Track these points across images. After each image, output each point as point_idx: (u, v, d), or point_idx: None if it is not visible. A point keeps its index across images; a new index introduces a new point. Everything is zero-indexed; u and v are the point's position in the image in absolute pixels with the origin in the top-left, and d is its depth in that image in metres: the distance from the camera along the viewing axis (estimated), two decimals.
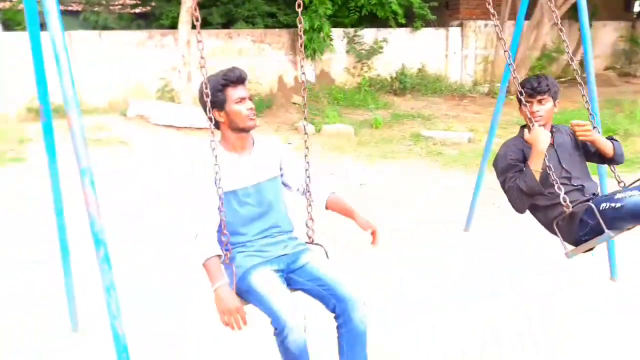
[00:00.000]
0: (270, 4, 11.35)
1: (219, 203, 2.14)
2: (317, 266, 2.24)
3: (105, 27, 10.19)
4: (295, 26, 10.41)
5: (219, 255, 2.12)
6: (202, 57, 2.14)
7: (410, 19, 11.75)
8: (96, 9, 10.30)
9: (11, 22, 10.33)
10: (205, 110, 2.15)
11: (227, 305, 2.03)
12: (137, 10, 11.85)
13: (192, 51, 9.23)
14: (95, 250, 1.85)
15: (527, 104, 2.56)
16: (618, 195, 2.40)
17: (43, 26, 1.94)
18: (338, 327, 2.14)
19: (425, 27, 12.10)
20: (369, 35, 12.10)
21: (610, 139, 2.71)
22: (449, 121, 9.63)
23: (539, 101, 2.57)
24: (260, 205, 2.26)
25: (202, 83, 2.16)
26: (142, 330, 2.84)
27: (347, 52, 11.95)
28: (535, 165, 2.44)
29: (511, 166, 2.59)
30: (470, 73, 12.64)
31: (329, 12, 10.63)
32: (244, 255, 2.21)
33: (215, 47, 10.30)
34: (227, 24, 11.17)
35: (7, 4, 10.27)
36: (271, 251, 2.25)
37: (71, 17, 10.39)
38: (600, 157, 2.73)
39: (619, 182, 2.71)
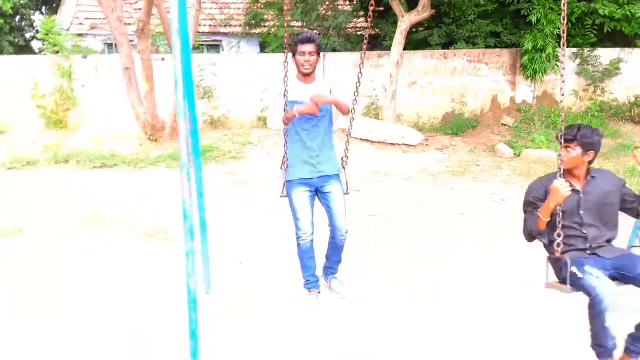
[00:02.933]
0: (496, 24, 11.17)
1: (285, 105, 3.30)
2: (333, 198, 3.49)
3: (334, 50, 11.54)
4: (519, 46, 10.24)
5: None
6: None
7: None
8: (330, 33, 11.70)
9: (267, 44, 12.52)
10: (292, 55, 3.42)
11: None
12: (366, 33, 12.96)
13: (400, 71, 9.80)
14: (183, 222, 2.52)
15: (561, 151, 2.73)
16: (587, 267, 2.57)
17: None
18: (329, 238, 3.65)
19: None
20: (605, 55, 10.87)
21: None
22: None
23: (565, 147, 2.72)
24: (310, 120, 3.36)
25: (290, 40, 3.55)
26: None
27: (577, 73, 10.96)
28: (544, 215, 2.71)
29: (530, 203, 2.85)
30: None
31: (557, 31, 9.94)
32: (292, 168, 3.45)
33: (429, 67, 10.68)
34: (447, 45, 11.42)
35: (264, 30, 12.48)
36: (308, 175, 3.44)
37: None
38: (632, 211, 2.82)
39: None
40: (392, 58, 9.56)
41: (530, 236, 2.87)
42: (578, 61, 10.93)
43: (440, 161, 8.21)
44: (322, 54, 10.89)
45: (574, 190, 2.72)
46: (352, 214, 5.59)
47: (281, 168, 3.50)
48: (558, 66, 10.38)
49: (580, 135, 2.70)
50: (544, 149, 8.83)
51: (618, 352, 2.61)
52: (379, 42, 11.96)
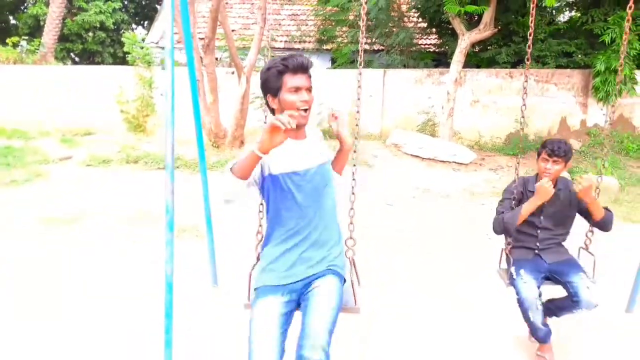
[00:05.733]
0: (569, 44, 10.75)
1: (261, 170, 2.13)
2: (316, 302, 2.10)
3: (405, 65, 11.69)
4: (591, 66, 9.81)
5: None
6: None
7: None
8: (392, 49, 11.88)
9: (336, 59, 12.93)
10: (264, 95, 2.19)
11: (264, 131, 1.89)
12: (437, 49, 12.98)
13: (461, 89, 9.75)
14: (165, 215, 2.90)
15: (544, 161, 2.97)
16: (522, 271, 2.97)
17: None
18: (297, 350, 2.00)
19: None
20: None
21: (606, 208, 3.01)
22: None
23: (554, 161, 2.94)
24: (302, 191, 2.18)
25: (264, 67, 2.19)
26: None
27: None
28: (525, 212, 2.96)
29: (509, 197, 3.10)
30: None
31: (634, 52, 9.40)
32: (262, 268, 2.25)
33: (493, 86, 10.50)
34: (516, 63, 11.15)
35: (335, 45, 12.91)
36: (291, 275, 2.19)
37: (373, 55, 12.30)
38: (587, 217, 3.05)
39: (586, 247, 3.13)
40: (450, 75, 9.55)
41: (504, 230, 3.06)
42: None
43: (489, 181, 8.08)
44: (382, 70, 11.37)
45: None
46: (375, 223, 5.80)
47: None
48: (634, 88, 9.79)
49: (566, 150, 2.96)
50: (606, 175, 8.38)
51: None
52: (444, 59, 11.95)
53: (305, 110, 2.14)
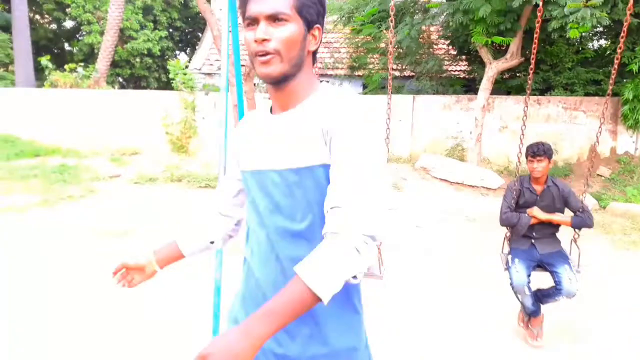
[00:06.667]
0: (597, 72, 10.96)
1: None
2: None
3: (435, 92, 12.10)
4: (620, 94, 9.99)
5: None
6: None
7: None
8: (427, 76, 12.31)
9: (367, 85, 13.44)
10: None
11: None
12: (466, 76, 13.33)
13: (489, 115, 10.07)
14: None
15: (530, 162, 3.62)
16: (517, 260, 3.62)
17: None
18: None
19: None
20: None
21: (579, 210, 3.60)
22: None
23: (538, 160, 3.58)
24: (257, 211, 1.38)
25: None
26: None
27: None
28: (530, 219, 3.63)
29: (510, 196, 3.67)
30: None
31: None
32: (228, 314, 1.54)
33: (521, 112, 10.73)
34: (544, 91, 11.40)
35: (366, 71, 13.44)
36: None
37: (403, 81, 12.75)
38: (575, 213, 3.67)
39: (574, 240, 3.70)
40: (478, 102, 9.90)
41: (511, 226, 3.69)
42: None
43: None
44: (412, 95, 11.84)
45: (533, 192, 3.66)
46: (404, 244, 6.16)
47: None
48: None
49: (545, 149, 3.59)
50: (634, 203, 8.50)
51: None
52: (474, 85, 12.29)
53: (265, 54, 1.26)
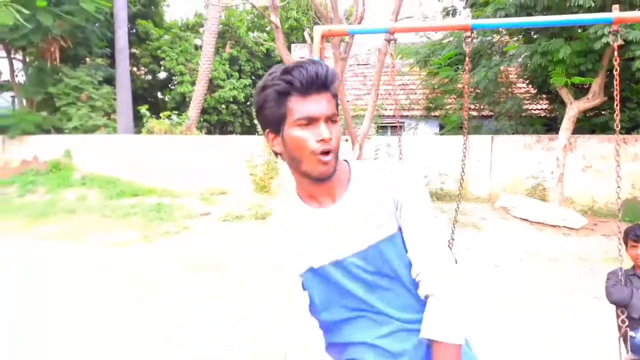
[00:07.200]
0: None
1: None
2: None
3: (515, 131, 12.04)
4: None
5: None
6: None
7: None
8: (506, 115, 12.29)
9: (444, 125, 13.58)
10: (263, 131, 1.40)
11: None
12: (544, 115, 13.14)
13: (571, 154, 9.87)
14: None
15: (633, 249, 3.03)
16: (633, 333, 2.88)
17: None
18: None
19: None
20: None
21: None
22: None
23: None
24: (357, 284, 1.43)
25: (258, 85, 1.37)
26: None
27: None
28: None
29: (614, 277, 3.05)
30: None
31: None
32: None
33: (606, 151, 10.43)
34: (631, 129, 11.02)
35: (442, 112, 13.62)
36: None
37: (481, 121, 12.77)
38: None
39: None
40: (559, 142, 9.75)
41: (623, 304, 3.04)
42: None
43: (600, 247, 8.04)
44: (490, 136, 11.79)
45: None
46: (482, 283, 6.17)
47: None
48: None
49: None
50: None
51: None
52: (555, 124, 12.08)
53: (328, 153, 1.30)
